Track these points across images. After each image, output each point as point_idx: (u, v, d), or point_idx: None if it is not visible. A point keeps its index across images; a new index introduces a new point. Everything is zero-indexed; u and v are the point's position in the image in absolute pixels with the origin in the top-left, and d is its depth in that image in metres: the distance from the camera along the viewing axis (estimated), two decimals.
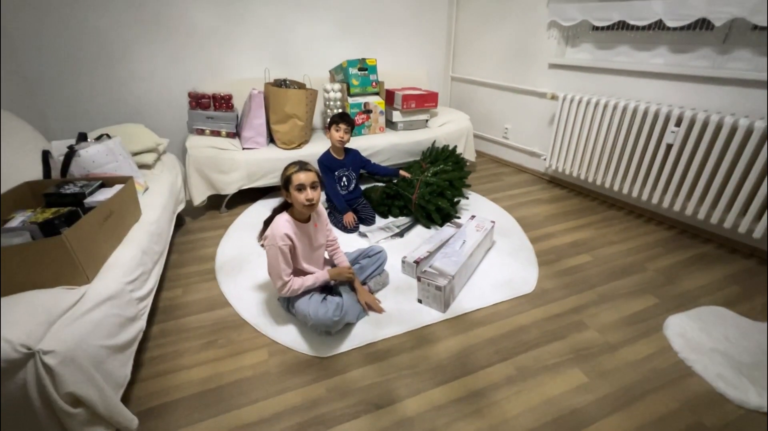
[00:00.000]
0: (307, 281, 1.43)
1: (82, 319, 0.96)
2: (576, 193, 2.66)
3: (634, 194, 2.23)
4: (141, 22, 2.47)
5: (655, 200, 2.13)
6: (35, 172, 1.53)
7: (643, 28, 2.15)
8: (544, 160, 2.75)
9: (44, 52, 2.32)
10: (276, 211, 1.46)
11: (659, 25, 2.09)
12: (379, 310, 1.55)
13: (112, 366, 1.01)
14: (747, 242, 1.92)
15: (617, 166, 2.29)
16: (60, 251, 1.03)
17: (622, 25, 2.27)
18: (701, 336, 1.39)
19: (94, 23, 2.37)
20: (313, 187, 1.36)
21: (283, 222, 1.38)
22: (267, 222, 1.45)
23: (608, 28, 2.34)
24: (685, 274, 1.78)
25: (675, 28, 2.01)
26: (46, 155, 1.50)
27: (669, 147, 2.01)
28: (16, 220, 1.23)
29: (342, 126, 2.07)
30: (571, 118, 2.45)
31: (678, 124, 1.95)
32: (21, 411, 0.84)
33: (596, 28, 2.42)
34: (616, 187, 2.32)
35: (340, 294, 1.49)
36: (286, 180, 1.35)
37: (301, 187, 1.34)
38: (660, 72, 2.08)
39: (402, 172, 2.29)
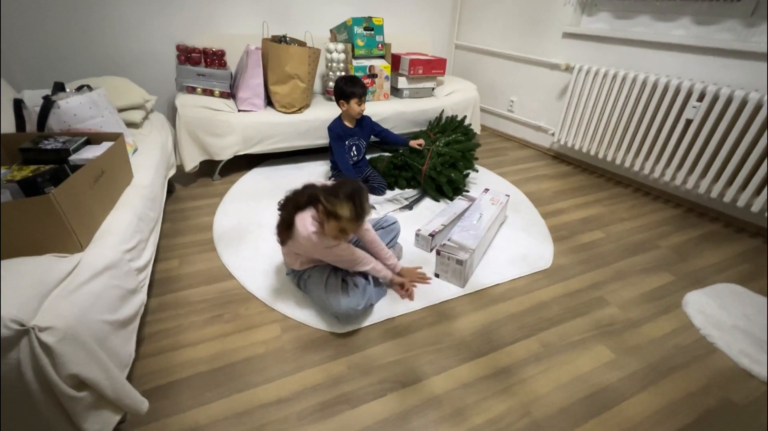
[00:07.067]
0: (380, 272, 1.37)
1: (79, 291, 0.83)
2: (581, 170, 2.62)
3: (645, 171, 2.19)
4: None
5: (667, 177, 2.10)
6: (6, 125, 1.33)
7: None
8: (552, 134, 2.68)
9: None
10: (292, 211, 1.20)
11: None
12: (427, 280, 1.51)
13: (115, 344, 0.90)
14: (756, 221, 1.92)
15: (631, 142, 2.24)
16: (48, 212, 0.89)
17: None
18: (721, 314, 1.39)
19: None
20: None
21: (312, 222, 1.19)
22: (284, 222, 1.21)
23: None
24: (696, 252, 1.78)
25: None
26: (18, 104, 1.29)
27: (688, 122, 1.97)
28: None
29: (363, 98, 1.96)
30: (585, 90, 2.36)
31: (700, 98, 1.90)
32: (14, 397, 0.72)
33: None
34: (627, 164, 2.27)
35: (360, 275, 1.38)
36: (332, 212, 1.10)
37: (342, 231, 1.14)
38: (682, 44, 2.00)
39: (412, 142, 2.16)
